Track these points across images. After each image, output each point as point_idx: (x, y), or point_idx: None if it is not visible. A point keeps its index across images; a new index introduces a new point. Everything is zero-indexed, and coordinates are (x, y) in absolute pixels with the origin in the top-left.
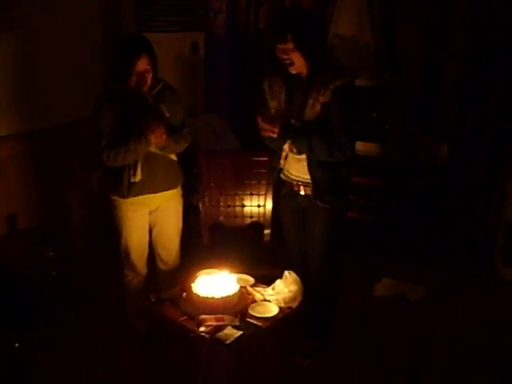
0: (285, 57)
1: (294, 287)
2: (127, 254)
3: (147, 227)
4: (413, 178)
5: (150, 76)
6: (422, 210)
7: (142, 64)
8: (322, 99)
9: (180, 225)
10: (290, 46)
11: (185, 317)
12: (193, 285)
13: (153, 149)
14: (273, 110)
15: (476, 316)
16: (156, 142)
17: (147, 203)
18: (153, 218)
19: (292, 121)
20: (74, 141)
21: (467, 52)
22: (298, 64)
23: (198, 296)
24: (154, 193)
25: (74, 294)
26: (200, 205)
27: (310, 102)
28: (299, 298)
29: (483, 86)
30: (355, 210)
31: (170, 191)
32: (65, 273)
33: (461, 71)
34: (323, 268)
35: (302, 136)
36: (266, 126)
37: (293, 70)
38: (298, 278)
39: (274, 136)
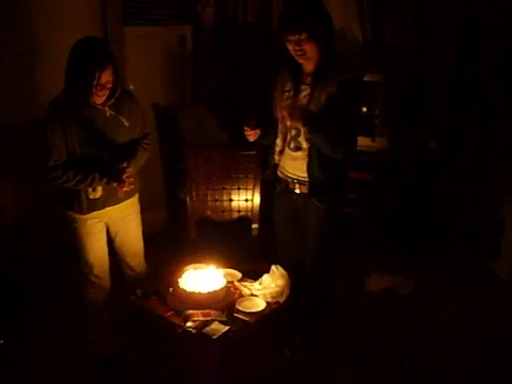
0: (297, 48)
1: (281, 282)
2: (90, 269)
3: (106, 237)
4: (402, 171)
5: (110, 87)
6: (411, 203)
7: (107, 75)
8: (328, 90)
9: (141, 228)
10: (304, 36)
11: (171, 312)
12: (180, 280)
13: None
14: (278, 100)
15: (465, 309)
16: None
17: (107, 214)
18: (113, 227)
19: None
20: None
21: (455, 45)
22: (310, 54)
23: (185, 291)
24: (116, 204)
25: (60, 289)
26: (187, 199)
27: (316, 92)
28: (286, 293)
29: (472, 78)
30: (345, 204)
31: (129, 199)
32: (51, 267)
33: (449, 64)
34: (318, 265)
35: (321, 127)
36: (249, 132)
37: (303, 60)
38: (285, 273)
39: (250, 139)
